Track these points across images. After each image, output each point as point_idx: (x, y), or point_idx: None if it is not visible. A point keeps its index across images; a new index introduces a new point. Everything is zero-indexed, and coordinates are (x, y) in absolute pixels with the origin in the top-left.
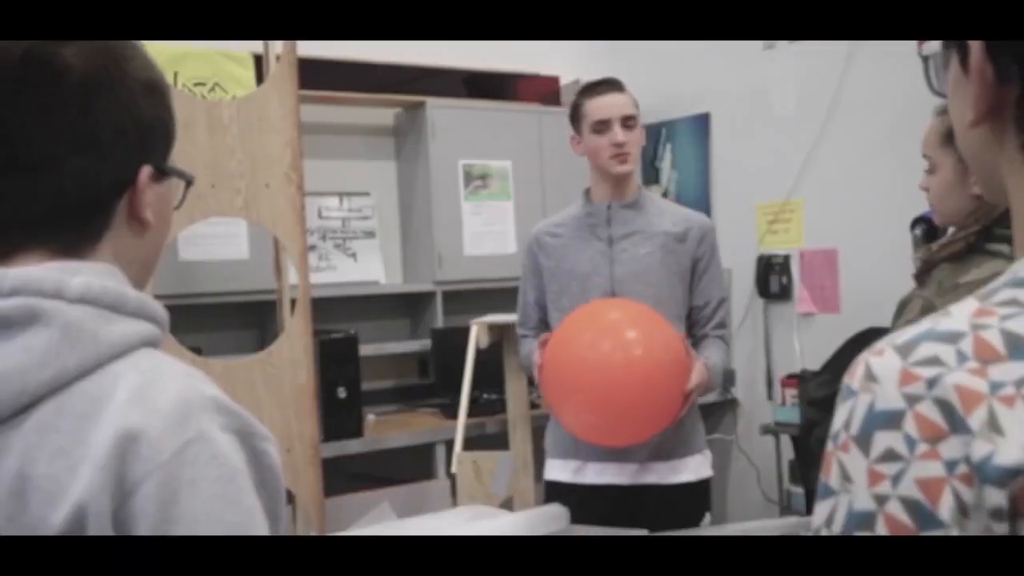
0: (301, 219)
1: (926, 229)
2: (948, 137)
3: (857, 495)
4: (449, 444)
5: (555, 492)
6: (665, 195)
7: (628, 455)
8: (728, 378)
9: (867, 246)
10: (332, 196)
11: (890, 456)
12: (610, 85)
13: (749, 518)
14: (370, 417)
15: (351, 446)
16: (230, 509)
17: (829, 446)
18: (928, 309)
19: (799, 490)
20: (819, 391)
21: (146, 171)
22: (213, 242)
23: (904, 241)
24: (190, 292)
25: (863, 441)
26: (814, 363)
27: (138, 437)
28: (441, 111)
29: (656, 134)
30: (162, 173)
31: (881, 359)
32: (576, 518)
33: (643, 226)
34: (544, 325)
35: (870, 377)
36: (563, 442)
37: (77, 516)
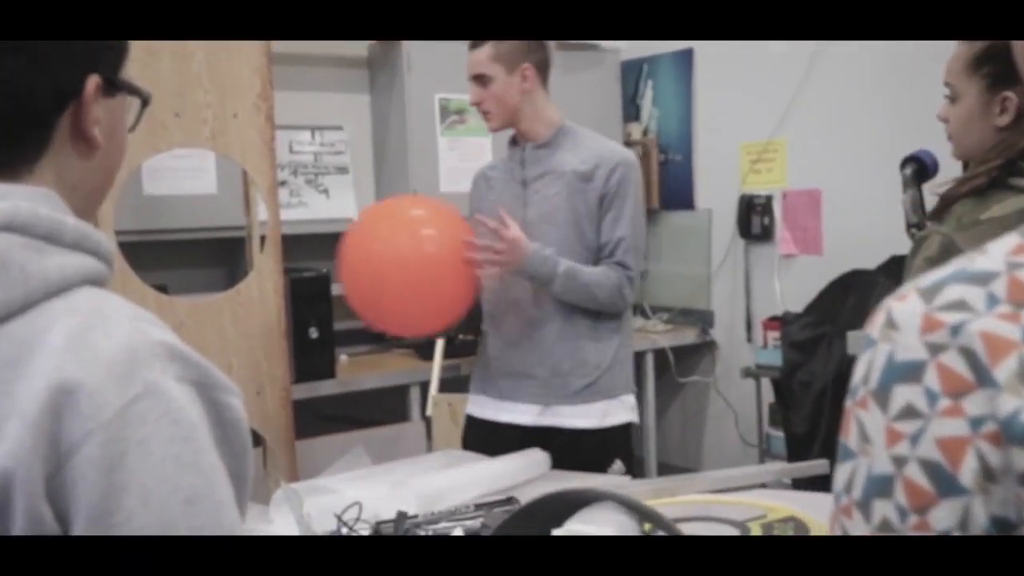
0: (271, 151)
1: (916, 168)
2: (974, 64)
3: (876, 457)
4: (424, 386)
5: (470, 426)
6: (646, 133)
7: (531, 396)
8: (706, 320)
9: (851, 187)
10: (304, 130)
11: (909, 413)
12: (475, 42)
13: (727, 461)
14: (343, 358)
15: (323, 387)
16: (187, 473)
17: (848, 403)
18: (947, 245)
19: (779, 434)
20: (801, 333)
21: (93, 82)
22: (180, 176)
23: (888, 182)
24: (155, 228)
25: (881, 396)
26: (796, 305)
27: (75, 391)
28: (417, 43)
29: (637, 70)
30: (113, 87)
31: (903, 304)
32: (489, 453)
33: (554, 166)
34: None
35: (891, 325)
36: (479, 379)
37: (1, 482)
